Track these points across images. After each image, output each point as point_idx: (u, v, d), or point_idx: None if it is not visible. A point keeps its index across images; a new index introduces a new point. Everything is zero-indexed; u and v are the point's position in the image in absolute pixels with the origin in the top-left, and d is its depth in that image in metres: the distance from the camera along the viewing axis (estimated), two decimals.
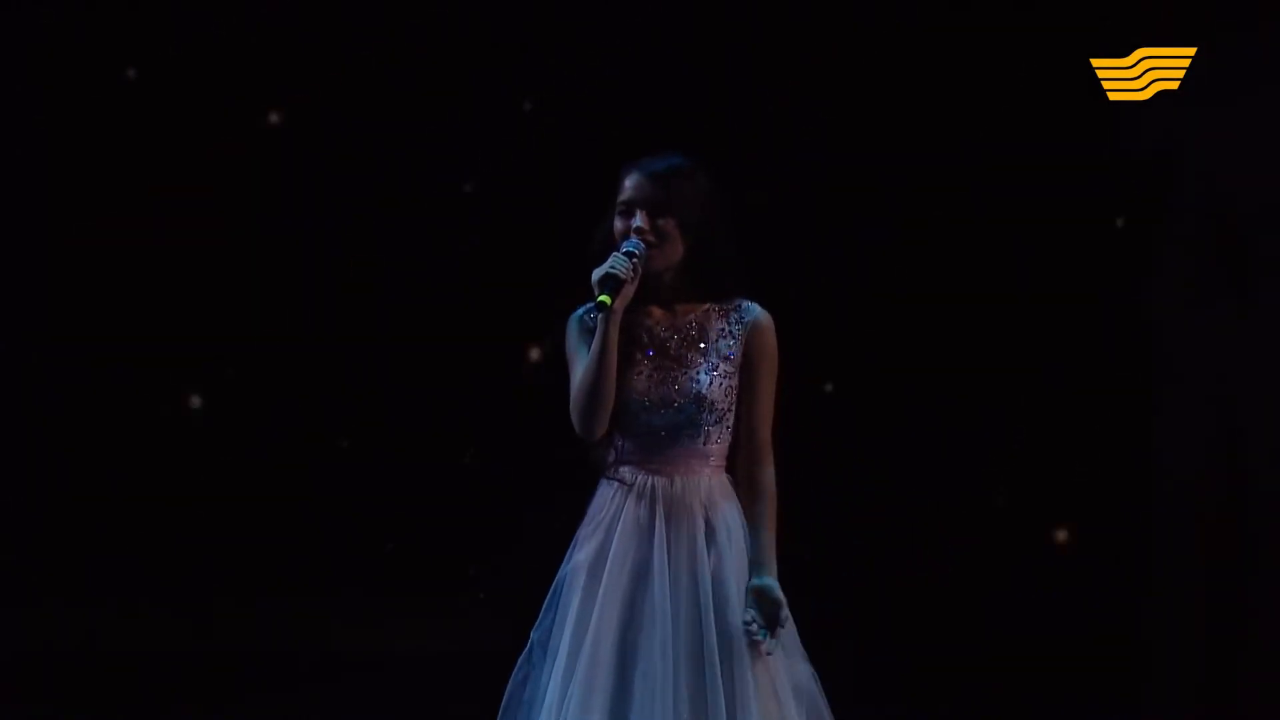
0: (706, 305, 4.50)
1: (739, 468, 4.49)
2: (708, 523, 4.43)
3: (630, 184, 4.45)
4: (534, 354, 6.82)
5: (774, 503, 4.46)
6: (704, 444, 4.46)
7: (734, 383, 4.47)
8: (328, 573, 7.00)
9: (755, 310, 4.50)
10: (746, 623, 4.28)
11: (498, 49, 6.87)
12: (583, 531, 4.48)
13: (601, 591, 4.36)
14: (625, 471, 4.47)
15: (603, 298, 4.32)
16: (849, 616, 6.47)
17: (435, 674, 6.78)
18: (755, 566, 4.38)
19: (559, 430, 4.48)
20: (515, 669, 4.44)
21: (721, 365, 4.46)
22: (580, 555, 4.44)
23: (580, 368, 4.42)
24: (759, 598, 4.34)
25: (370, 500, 7.04)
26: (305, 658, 6.93)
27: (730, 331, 4.48)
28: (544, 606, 4.43)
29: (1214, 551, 6.62)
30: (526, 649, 4.44)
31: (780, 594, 4.34)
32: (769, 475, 4.48)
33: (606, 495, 4.48)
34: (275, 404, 7.02)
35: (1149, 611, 6.67)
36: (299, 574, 6.99)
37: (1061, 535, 6.83)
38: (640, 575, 4.36)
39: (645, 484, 4.44)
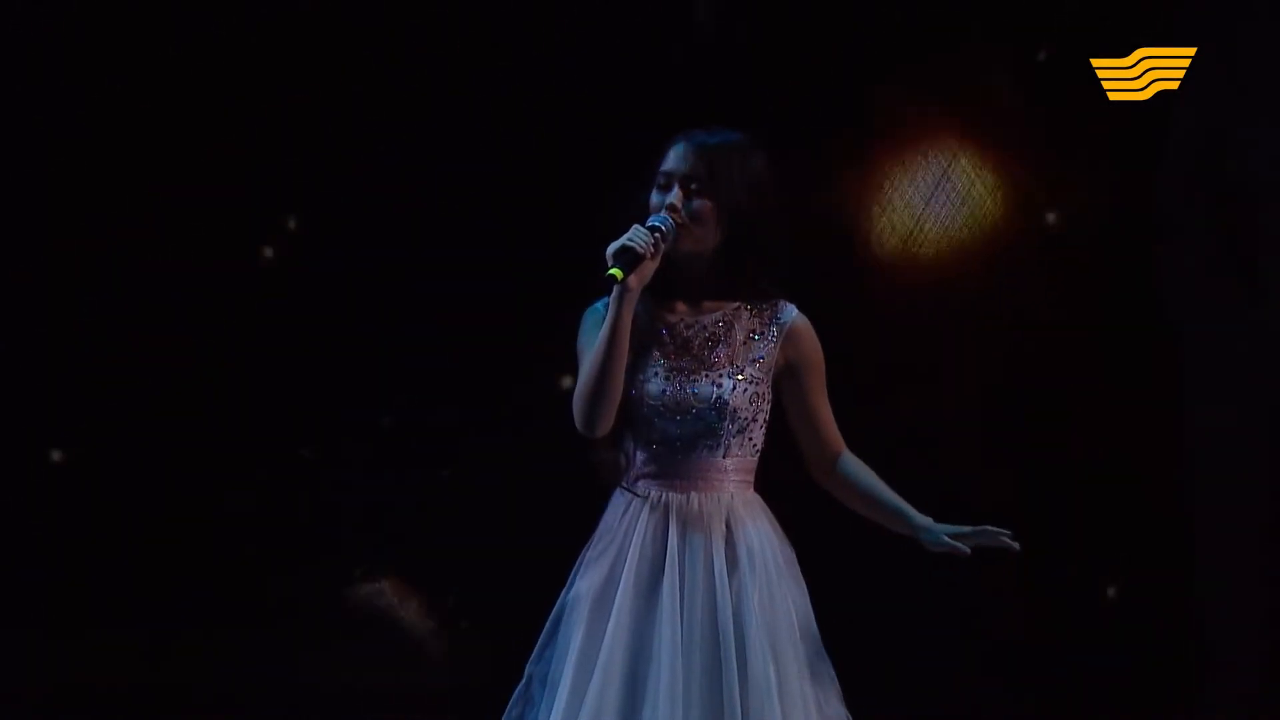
0: (738, 303, 4.16)
1: (819, 469, 4.19)
2: (729, 546, 4.08)
3: (673, 154, 4.09)
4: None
5: (873, 472, 4.19)
6: (723, 456, 4.11)
7: (762, 390, 4.12)
8: (290, 600, 6.73)
9: (792, 312, 4.15)
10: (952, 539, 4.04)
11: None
12: (590, 553, 4.13)
13: (610, 624, 4.02)
14: (640, 485, 4.12)
15: (614, 270, 3.95)
16: (880, 654, 6.20)
17: (411, 713, 6.58)
18: (907, 516, 4.12)
19: (556, 438, 4.26)
20: (509, 706, 4.13)
21: (748, 369, 4.11)
22: (585, 582, 4.09)
23: (588, 362, 4.06)
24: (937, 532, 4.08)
25: (336, 518, 6.77)
26: (266, 694, 6.67)
27: (763, 334, 4.14)
28: (542, 637, 4.12)
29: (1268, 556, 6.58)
30: (523, 683, 4.12)
31: (933, 525, 4.08)
32: (851, 456, 4.19)
33: (618, 511, 4.13)
34: (230, 408, 6.74)
35: (1204, 627, 6.60)
36: (259, 602, 6.72)
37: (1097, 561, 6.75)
38: (650, 606, 4.03)
39: (659, 500, 4.10)
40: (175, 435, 6.68)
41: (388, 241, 6.65)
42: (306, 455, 6.70)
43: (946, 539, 4.06)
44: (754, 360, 4.10)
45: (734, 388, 4.07)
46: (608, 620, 4.02)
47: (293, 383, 6.69)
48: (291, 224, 6.67)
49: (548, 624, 4.10)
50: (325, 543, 6.72)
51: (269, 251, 6.67)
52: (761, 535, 4.10)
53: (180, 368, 6.67)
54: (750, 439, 4.12)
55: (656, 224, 4.01)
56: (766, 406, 4.13)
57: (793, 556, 4.14)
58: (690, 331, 4.11)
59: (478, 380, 6.58)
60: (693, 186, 4.04)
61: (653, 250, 3.98)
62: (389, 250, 6.65)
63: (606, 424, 4.02)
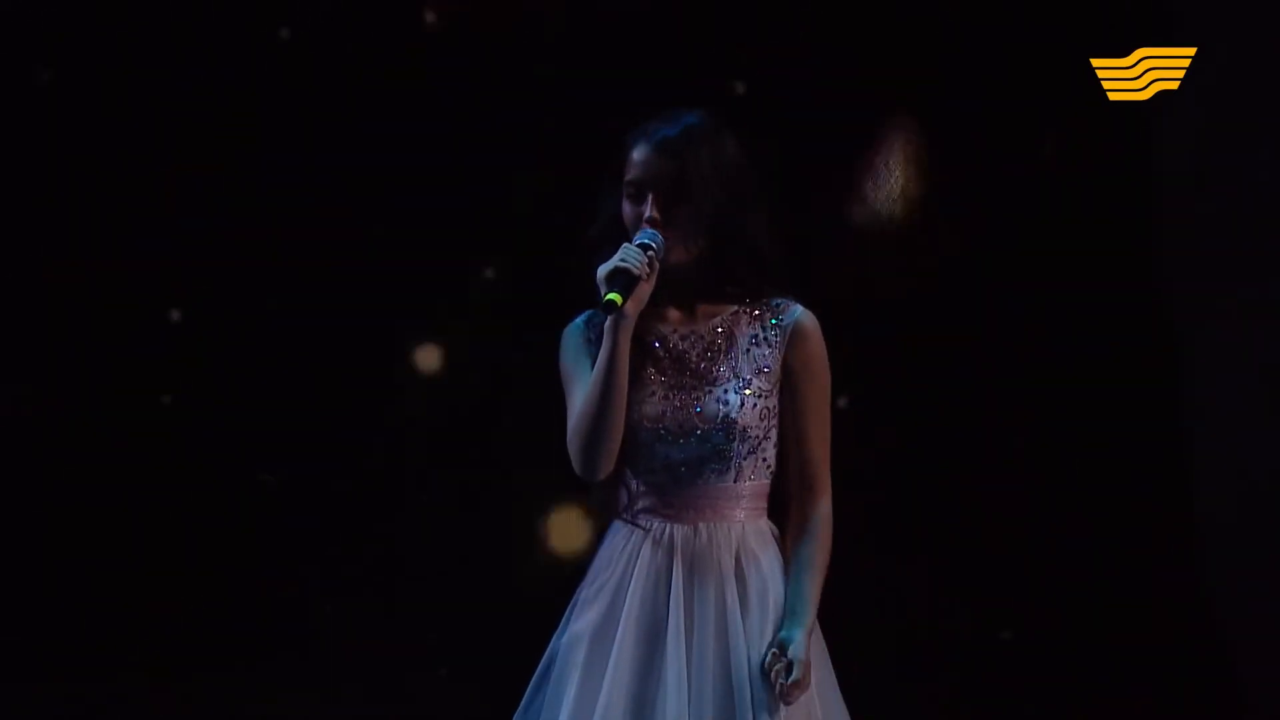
0: (735, 306, 3.85)
1: (793, 498, 3.85)
2: (741, 583, 3.77)
3: (638, 159, 3.77)
4: None
5: (825, 543, 3.81)
6: (734, 481, 3.79)
7: (771, 403, 3.81)
8: (249, 641, 6.59)
9: (796, 311, 3.83)
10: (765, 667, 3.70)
11: None
12: (585, 592, 3.83)
13: (609, 671, 3.73)
14: (641, 518, 3.82)
15: (611, 295, 3.66)
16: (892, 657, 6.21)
17: None
18: (788, 615, 3.76)
19: (548, 466, 4.06)
20: None
21: (755, 381, 3.80)
22: (580, 624, 3.79)
23: (580, 390, 3.77)
24: (779, 652, 3.73)
25: (301, 549, 6.63)
26: None
27: (766, 338, 3.82)
28: (531, 687, 3.85)
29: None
30: None
31: (801, 652, 3.71)
32: (822, 511, 3.82)
33: (617, 545, 3.82)
34: (185, 426, 6.62)
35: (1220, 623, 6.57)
36: (226, 643, 6.57)
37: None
38: (654, 651, 3.74)
39: (662, 533, 3.80)
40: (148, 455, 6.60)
41: (366, 254, 6.57)
42: (267, 479, 6.60)
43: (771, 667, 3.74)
44: (760, 370, 3.80)
45: (742, 403, 3.78)
46: (606, 667, 3.74)
47: (263, 410, 6.60)
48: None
49: (537, 671, 3.83)
50: (292, 579, 6.61)
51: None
52: (774, 571, 3.80)
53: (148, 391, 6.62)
54: (764, 459, 3.81)
55: (647, 241, 3.72)
56: (778, 421, 3.83)
57: None
58: (686, 343, 3.82)
59: (460, 402, 6.49)
60: (670, 193, 3.76)
61: (648, 271, 3.70)
62: (369, 265, 6.57)
63: (608, 466, 3.75)
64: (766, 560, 3.78)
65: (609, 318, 3.67)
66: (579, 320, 3.83)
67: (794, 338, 3.80)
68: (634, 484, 3.80)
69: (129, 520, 6.59)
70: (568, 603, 3.84)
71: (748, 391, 3.77)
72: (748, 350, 3.80)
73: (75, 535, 6.59)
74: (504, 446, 6.29)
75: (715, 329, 3.81)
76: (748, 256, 3.79)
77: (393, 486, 6.61)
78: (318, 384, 6.56)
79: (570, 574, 3.91)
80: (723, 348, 3.80)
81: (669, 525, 3.77)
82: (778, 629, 3.73)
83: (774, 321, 3.81)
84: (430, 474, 6.58)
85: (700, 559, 3.75)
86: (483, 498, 6.45)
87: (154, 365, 6.61)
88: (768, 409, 3.78)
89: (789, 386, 3.81)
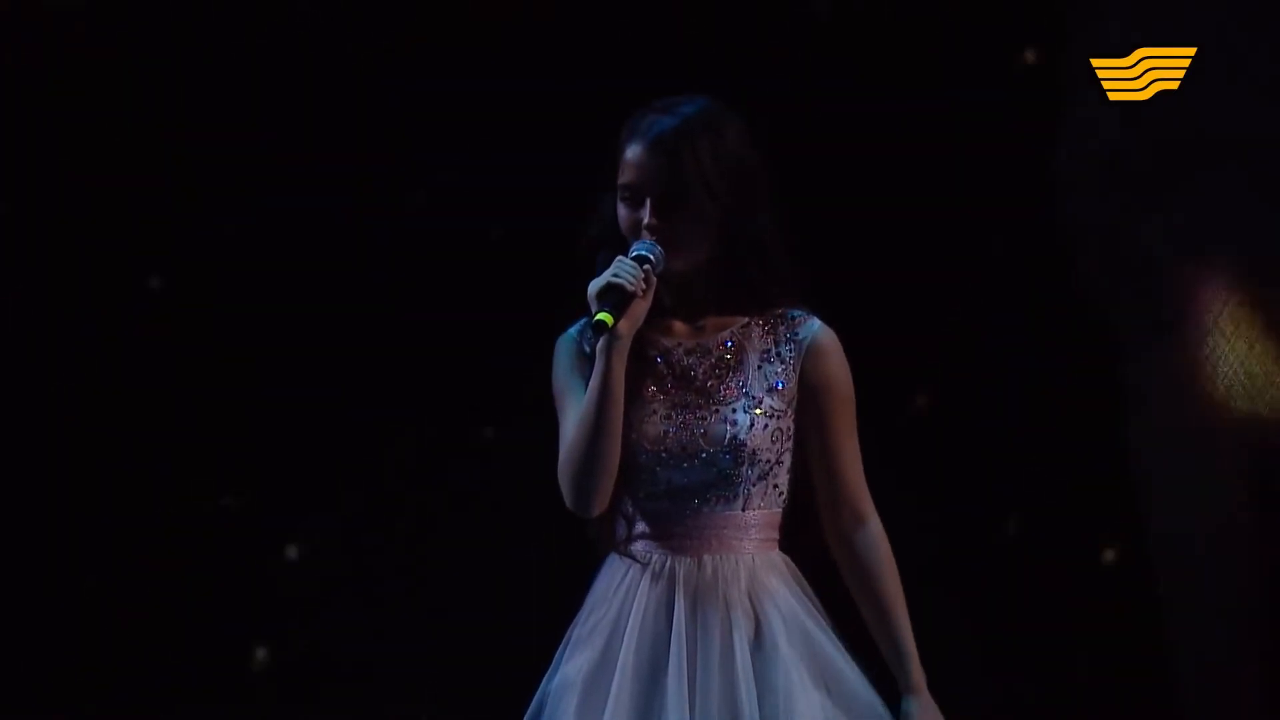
0: (746, 318, 3.61)
1: (833, 534, 3.62)
2: (752, 620, 3.55)
3: (632, 158, 3.53)
4: None
5: (896, 574, 3.58)
6: (742, 509, 3.55)
7: (785, 425, 3.57)
8: (227, 680, 6.43)
9: (814, 326, 3.60)
10: None
11: None
12: (578, 630, 3.60)
13: (606, 716, 3.50)
14: (638, 548, 3.59)
15: (602, 315, 3.42)
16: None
17: None
18: (904, 669, 3.58)
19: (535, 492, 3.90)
20: None
21: (767, 400, 3.56)
22: (573, 665, 3.57)
23: (572, 412, 3.55)
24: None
25: (277, 568, 6.49)
26: None
27: (780, 354, 3.59)
28: None
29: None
30: None
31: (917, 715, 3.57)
32: (876, 534, 3.59)
33: (614, 579, 3.60)
34: (141, 447, 6.47)
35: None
36: (191, 680, 6.40)
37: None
38: (655, 696, 3.52)
39: (663, 566, 3.57)
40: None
41: (348, 269, 6.46)
42: (229, 504, 6.43)
43: None
44: (772, 388, 3.57)
45: (752, 424, 3.54)
46: (602, 713, 3.52)
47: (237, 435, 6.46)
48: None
49: (526, 717, 3.63)
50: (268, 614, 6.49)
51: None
52: (795, 602, 3.58)
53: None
54: (775, 486, 3.58)
55: (643, 253, 3.49)
56: (791, 444, 3.60)
57: (831, 631, 3.61)
58: (691, 358, 3.59)
59: (442, 422, 6.39)
60: (668, 196, 3.52)
61: (644, 287, 3.47)
62: (352, 282, 6.45)
63: (603, 501, 3.52)
64: (782, 593, 3.56)
65: (600, 339, 3.45)
66: (572, 330, 3.61)
67: (812, 355, 3.58)
68: (632, 512, 3.58)
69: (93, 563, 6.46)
70: (559, 641, 3.64)
71: (758, 411, 3.55)
72: (759, 366, 3.58)
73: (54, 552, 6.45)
74: (493, 469, 6.22)
75: (724, 343, 3.59)
76: (758, 260, 3.57)
77: (378, 514, 6.50)
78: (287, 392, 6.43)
79: (563, 609, 3.72)
80: (732, 363, 3.58)
81: (670, 557, 3.55)
82: (794, 668, 3.51)
83: (789, 336, 3.59)
84: (414, 503, 6.48)
85: (704, 594, 3.53)
86: (470, 526, 6.36)
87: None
88: (780, 430, 3.56)
89: (809, 408, 3.59)
